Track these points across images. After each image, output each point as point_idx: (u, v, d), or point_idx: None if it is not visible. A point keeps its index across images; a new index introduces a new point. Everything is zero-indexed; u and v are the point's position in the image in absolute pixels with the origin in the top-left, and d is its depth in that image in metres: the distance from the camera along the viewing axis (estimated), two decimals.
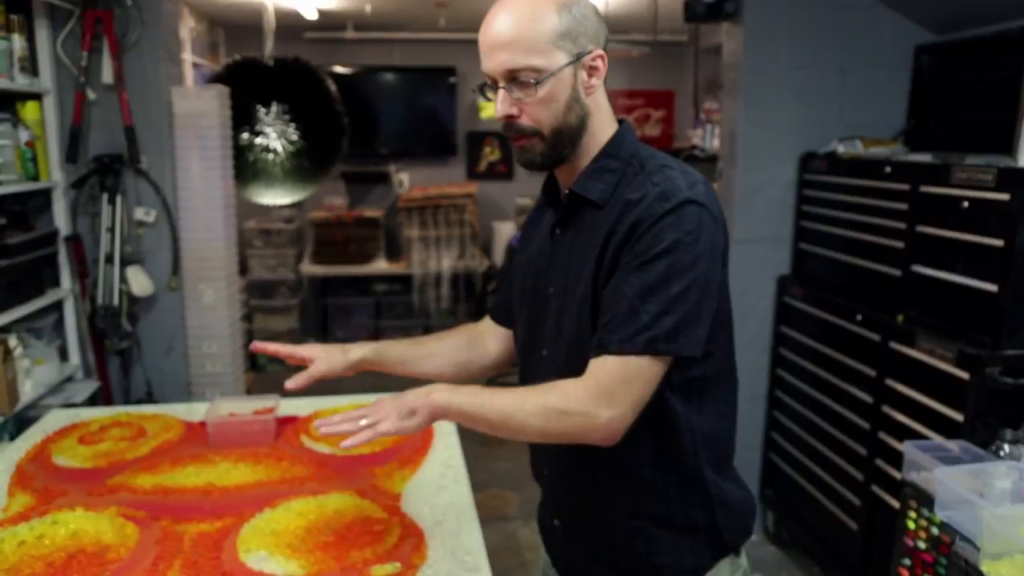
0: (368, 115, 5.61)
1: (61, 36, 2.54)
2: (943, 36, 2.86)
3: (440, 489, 1.74)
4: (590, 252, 1.16)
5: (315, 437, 2.01)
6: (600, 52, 1.16)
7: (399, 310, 5.54)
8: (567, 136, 1.17)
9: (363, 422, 1.17)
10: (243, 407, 2.08)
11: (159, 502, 1.66)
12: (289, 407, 2.19)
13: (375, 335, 5.55)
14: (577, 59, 1.14)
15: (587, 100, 1.17)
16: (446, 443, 1.99)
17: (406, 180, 5.67)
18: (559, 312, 1.22)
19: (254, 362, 5.41)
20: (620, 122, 1.24)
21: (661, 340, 1.06)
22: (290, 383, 1.35)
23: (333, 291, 5.52)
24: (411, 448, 1.95)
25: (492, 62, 1.14)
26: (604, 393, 1.08)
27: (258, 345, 1.48)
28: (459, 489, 1.74)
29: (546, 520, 1.42)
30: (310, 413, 2.15)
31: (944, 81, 2.82)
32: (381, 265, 5.34)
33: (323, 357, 1.41)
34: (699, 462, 1.22)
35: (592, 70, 1.16)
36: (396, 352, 1.50)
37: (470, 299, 5.39)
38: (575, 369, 1.14)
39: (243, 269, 5.38)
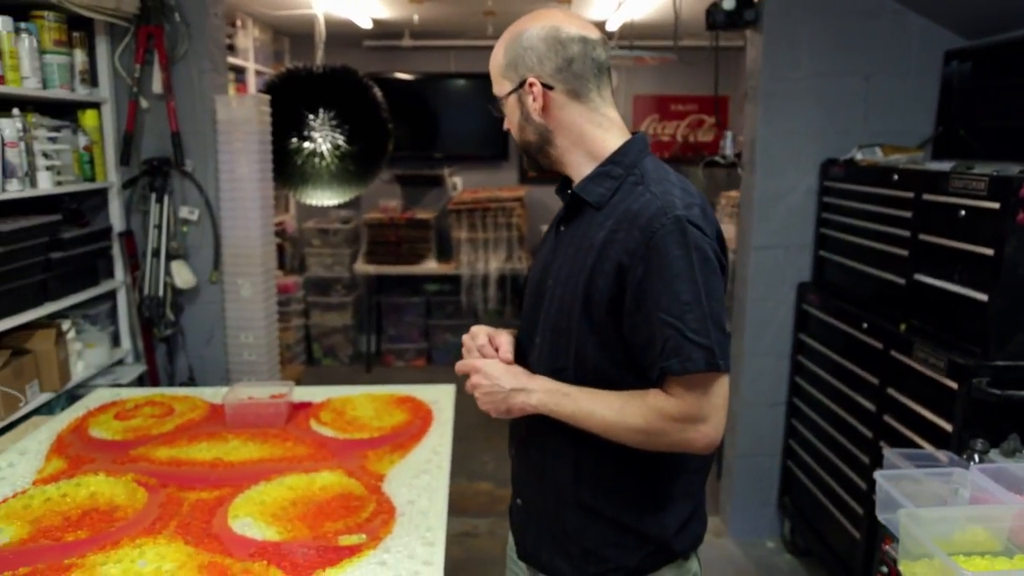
0: (425, 120, 5.81)
1: (118, 50, 2.79)
2: (973, 41, 2.80)
3: (422, 473, 1.86)
4: (584, 251, 1.26)
5: (323, 422, 2.16)
6: (532, 79, 1.28)
7: (449, 309, 5.69)
8: (531, 149, 1.35)
9: (470, 387, 1.36)
10: (261, 392, 2.25)
11: (171, 472, 1.84)
12: (305, 394, 2.36)
13: (425, 333, 5.73)
14: (519, 86, 1.29)
15: (542, 119, 1.30)
16: (440, 432, 2.11)
17: (459, 183, 5.83)
18: (550, 303, 1.32)
19: (310, 356, 5.67)
20: (634, 134, 1.34)
21: (716, 355, 1.15)
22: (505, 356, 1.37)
23: (386, 289, 5.73)
24: (407, 435, 2.08)
25: None
26: (693, 409, 1.16)
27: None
28: (439, 474, 1.85)
29: (512, 499, 1.51)
30: (323, 400, 2.32)
31: (974, 86, 2.77)
32: (431, 265, 5.50)
33: (507, 335, 1.44)
34: (667, 475, 1.30)
35: (532, 95, 1.28)
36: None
37: (516, 301, 5.50)
38: (555, 357, 1.29)
39: (301, 267, 5.66)
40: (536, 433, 1.35)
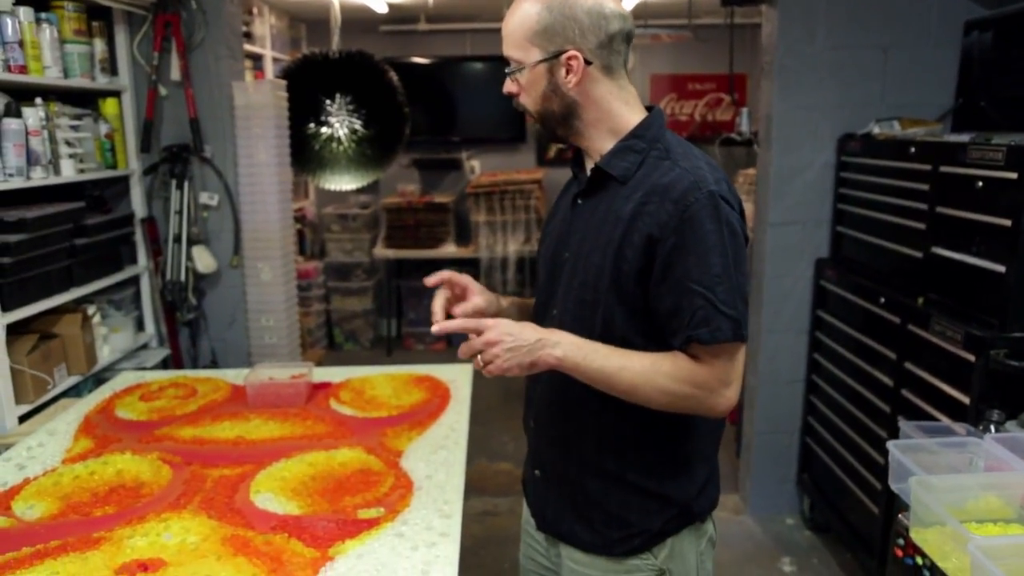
0: (443, 104, 5.80)
1: (137, 39, 2.83)
2: (993, 10, 2.76)
3: (439, 448, 1.88)
4: (610, 223, 1.27)
5: (342, 401, 2.20)
6: (574, 53, 1.25)
7: None
8: (552, 121, 1.31)
9: (485, 343, 1.20)
10: (281, 373, 2.29)
11: (195, 450, 1.88)
12: (324, 374, 2.39)
13: (446, 317, 5.74)
14: (553, 56, 1.25)
15: (572, 92, 1.27)
16: (458, 410, 2.14)
17: (477, 167, 5.84)
18: (571, 275, 1.33)
19: (331, 341, 5.73)
20: (650, 108, 1.34)
21: (742, 326, 1.19)
22: (457, 324, 1.30)
23: (405, 274, 5.76)
24: (425, 413, 2.11)
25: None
26: (719, 377, 1.20)
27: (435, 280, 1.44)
28: (456, 449, 1.88)
29: (529, 472, 1.52)
30: (342, 380, 2.35)
31: (994, 57, 2.72)
32: (450, 249, 5.52)
33: (483, 296, 1.44)
34: (686, 440, 1.32)
35: (569, 68, 1.26)
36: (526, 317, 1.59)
37: (535, 283, 5.51)
38: (580, 329, 1.27)
39: (321, 252, 5.70)
40: (558, 403, 1.37)
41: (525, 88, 1.29)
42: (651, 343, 1.24)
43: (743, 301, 1.20)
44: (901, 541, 1.89)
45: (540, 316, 1.41)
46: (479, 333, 1.20)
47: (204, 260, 2.92)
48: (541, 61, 1.26)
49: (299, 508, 1.57)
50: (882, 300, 2.42)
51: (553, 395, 1.36)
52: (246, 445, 1.91)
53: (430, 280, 1.40)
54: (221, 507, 1.59)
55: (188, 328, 3.01)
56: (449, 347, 5.77)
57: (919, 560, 1.79)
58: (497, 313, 1.46)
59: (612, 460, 1.32)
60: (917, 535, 1.32)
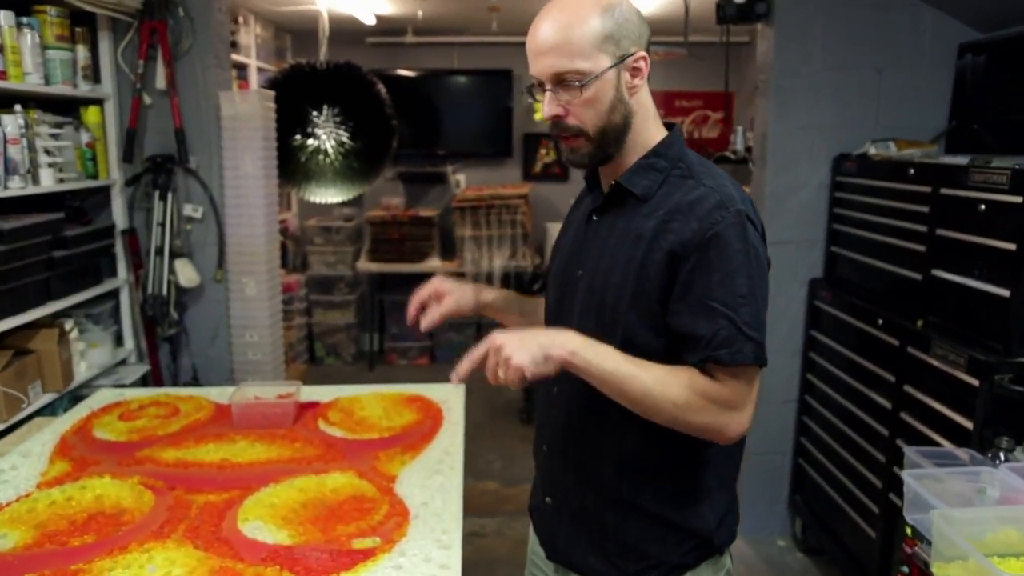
0: (428, 117, 5.76)
1: (121, 46, 2.75)
2: (987, 34, 2.77)
3: (435, 473, 1.82)
4: (630, 242, 1.22)
5: (331, 422, 2.12)
6: (642, 54, 1.21)
7: None
8: (612, 136, 1.22)
9: (494, 348, 1.13)
10: (268, 392, 2.21)
11: (178, 474, 1.80)
12: (312, 394, 2.32)
13: (429, 332, 5.68)
14: (620, 61, 1.19)
15: (631, 100, 1.22)
16: (452, 432, 2.08)
17: (463, 180, 5.79)
18: (588, 293, 1.28)
19: (312, 355, 5.64)
20: (670, 126, 1.30)
21: (764, 350, 1.15)
22: (425, 324, 1.38)
23: (389, 288, 5.69)
24: (418, 435, 2.04)
25: (539, 66, 1.20)
26: (737, 399, 1.15)
27: (412, 318, 1.45)
28: (452, 475, 1.82)
29: (538, 499, 1.46)
30: (330, 400, 2.28)
31: (988, 80, 2.73)
32: (435, 263, 5.46)
33: (455, 295, 1.43)
34: (707, 467, 1.27)
35: (635, 71, 1.21)
36: (518, 305, 1.55)
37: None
38: None
39: (304, 265, 5.62)
40: (575, 427, 1.31)
41: (590, 102, 1.18)
42: (670, 361, 1.19)
43: (763, 324, 1.16)
44: (907, 569, 1.85)
45: None
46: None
47: (187, 274, 2.84)
48: (612, 66, 1.18)
49: (290, 537, 1.50)
50: (880, 322, 2.40)
51: (570, 419, 1.31)
52: (232, 469, 1.84)
53: (410, 320, 1.42)
54: (208, 536, 1.51)
55: (169, 344, 2.92)
56: (433, 362, 5.70)
57: None
58: (479, 306, 1.46)
59: (630, 488, 1.27)
60: (940, 571, 1.28)
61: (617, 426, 1.23)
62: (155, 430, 2.06)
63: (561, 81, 1.18)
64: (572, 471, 1.33)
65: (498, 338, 1.12)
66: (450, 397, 2.32)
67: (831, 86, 2.82)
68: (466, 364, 1.14)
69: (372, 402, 2.27)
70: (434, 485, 1.76)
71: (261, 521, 1.56)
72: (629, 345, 1.19)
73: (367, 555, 1.45)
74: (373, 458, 1.90)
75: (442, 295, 1.41)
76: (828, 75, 2.82)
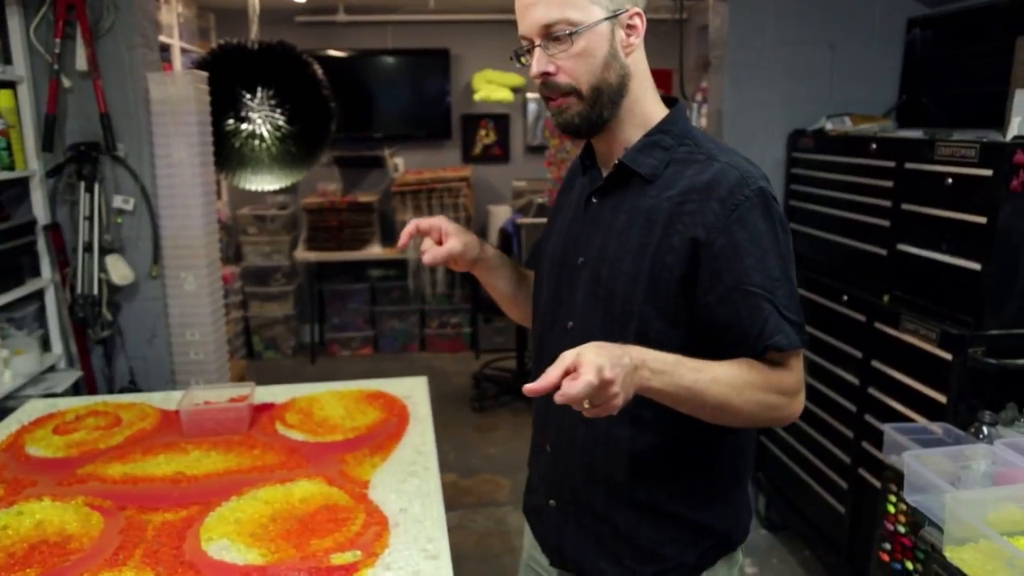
0: (362, 99, 5.55)
1: (33, 23, 2.51)
2: (935, 8, 2.79)
3: (410, 476, 1.72)
4: (640, 226, 1.13)
5: (290, 424, 2.00)
6: (638, 10, 1.13)
7: (395, 295, 5.52)
8: (607, 95, 1.13)
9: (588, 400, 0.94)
10: (219, 395, 2.06)
11: (127, 491, 1.65)
12: (266, 395, 2.18)
13: (371, 321, 5.54)
14: (614, 15, 1.10)
15: (627, 60, 1.14)
16: (420, 429, 1.98)
17: (401, 164, 5.63)
18: (592, 282, 1.18)
19: (250, 350, 5.42)
20: (674, 101, 1.22)
21: (804, 332, 1.11)
22: (427, 257, 1.24)
23: (328, 277, 5.51)
24: (385, 435, 1.94)
25: (528, 20, 1.11)
26: (797, 383, 1.12)
27: (405, 243, 1.27)
28: (428, 475, 1.72)
29: (538, 501, 1.36)
30: (286, 400, 2.14)
31: (936, 54, 2.76)
32: (376, 250, 5.31)
33: (461, 238, 1.28)
34: (724, 460, 1.21)
35: (631, 29, 1.13)
36: (511, 270, 1.43)
37: (465, 284, 5.36)
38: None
39: (237, 256, 5.37)
40: (585, 426, 1.21)
41: (582, 55, 1.09)
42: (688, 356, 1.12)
43: (800, 306, 1.11)
44: (888, 546, 1.85)
45: (548, 328, 1.27)
46: (566, 373, 0.93)
47: (119, 271, 2.63)
48: (606, 19, 1.09)
49: (262, 556, 1.38)
50: (845, 298, 2.39)
51: (579, 417, 1.21)
52: (187, 482, 1.69)
53: (401, 242, 1.24)
54: (169, 560, 1.38)
55: (102, 347, 2.71)
56: (376, 351, 5.56)
57: (908, 564, 1.76)
58: (478, 258, 1.32)
59: (645, 488, 1.19)
60: (953, 554, 1.25)
61: (631, 423, 1.15)
62: (96, 443, 1.90)
63: (550, 34, 1.10)
64: (581, 472, 1.24)
65: (608, 372, 0.92)
66: (413, 392, 2.22)
67: (785, 61, 2.81)
68: (545, 383, 0.93)
69: (331, 401, 2.14)
70: (410, 489, 1.66)
71: (228, 540, 1.44)
72: (643, 339, 1.10)
73: (349, 571, 1.35)
74: (340, 462, 1.78)
75: (447, 233, 1.26)
76: (782, 50, 2.80)
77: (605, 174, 1.22)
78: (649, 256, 1.11)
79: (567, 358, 0.93)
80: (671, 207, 1.11)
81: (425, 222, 1.26)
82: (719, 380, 1.03)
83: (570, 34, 1.08)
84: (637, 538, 1.20)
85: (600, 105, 1.13)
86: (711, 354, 1.07)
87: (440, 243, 1.26)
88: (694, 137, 1.17)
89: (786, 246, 1.10)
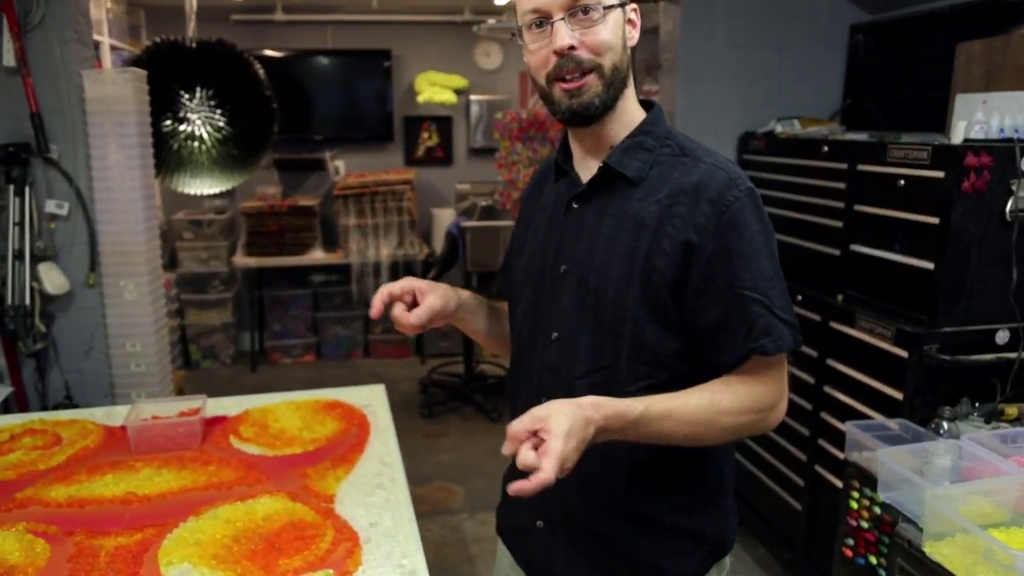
0: (301, 100, 5.42)
1: None
2: (877, 15, 2.87)
3: (376, 488, 1.66)
4: (628, 230, 1.11)
5: (245, 438, 1.91)
6: (635, 7, 1.14)
7: (338, 301, 5.40)
8: (618, 83, 1.12)
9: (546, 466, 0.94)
10: (167, 409, 1.97)
11: (74, 515, 1.55)
12: (217, 407, 2.08)
13: (314, 327, 5.41)
14: (621, 6, 1.10)
15: (627, 54, 1.14)
16: (382, 439, 1.92)
17: (342, 167, 5.52)
18: (580, 290, 1.15)
19: (187, 359, 5.22)
20: (650, 104, 1.20)
21: (798, 333, 1.10)
22: (413, 319, 1.17)
23: (268, 283, 5.36)
24: (347, 446, 1.87)
25: None
26: (778, 392, 1.10)
27: (378, 311, 1.19)
28: (396, 487, 1.67)
29: (522, 522, 1.30)
30: (239, 412, 2.06)
31: (878, 60, 2.84)
32: (318, 255, 5.19)
33: (437, 292, 1.22)
34: (713, 466, 1.20)
35: (630, 23, 1.13)
36: (487, 308, 1.38)
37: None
38: (606, 352, 1.11)
39: (173, 262, 5.17)
40: (592, 455, 1.14)
41: (608, 34, 1.07)
42: (682, 361, 1.10)
43: (792, 306, 1.11)
44: (851, 542, 1.88)
45: (530, 341, 1.23)
46: (534, 432, 0.95)
47: (53, 280, 2.48)
48: (620, 4, 1.10)
49: None
50: (799, 298, 2.43)
51: None
52: (140, 503, 1.60)
53: (374, 311, 1.16)
54: None
55: (35, 360, 2.55)
56: (319, 359, 5.43)
57: (872, 559, 1.79)
58: (458, 306, 1.26)
59: (643, 501, 1.16)
60: (932, 549, 1.27)
61: None
62: (35, 464, 1.78)
63: (576, 11, 1.06)
64: (576, 489, 1.19)
65: (575, 442, 0.95)
66: (372, 400, 2.16)
67: (735, 64, 2.85)
68: (515, 446, 0.95)
69: (287, 412, 2.07)
70: (378, 502, 1.61)
71: (189, 563, 1.36)
72: (638, 345, 1.09)
73: None
74: (302, 476, 1.71)
75: (422, 292, 1.21)
76: (732, 53, 2.84)
77: (585, 177, 1.19)
78: (640, 260, 1.09)
79: (537, 418, 0.94)
80: (660, 210, 1.09)
81: (397, 286, 1.20)
82: (687, 419, 1.03)
83: (606, 7, 1.07)
84: (636, 552, 1.18)
85: (615, 88, 1.11)
86: (704, 355, 1.08)
87: (414, 304, 1.20)
88: (675, 138, 1.16)
89: (774, 246, 1.10)
